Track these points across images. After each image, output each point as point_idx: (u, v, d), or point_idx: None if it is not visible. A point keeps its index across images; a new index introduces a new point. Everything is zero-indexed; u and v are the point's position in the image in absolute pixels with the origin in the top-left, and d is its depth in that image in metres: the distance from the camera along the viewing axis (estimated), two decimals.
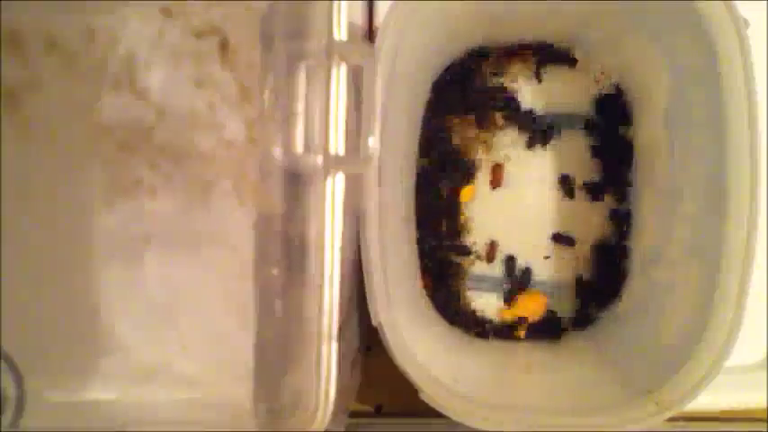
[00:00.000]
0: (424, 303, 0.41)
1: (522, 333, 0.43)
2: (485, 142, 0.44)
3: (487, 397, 0.34)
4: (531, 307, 0.43)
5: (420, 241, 0.42)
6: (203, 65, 0.27)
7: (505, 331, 0.43)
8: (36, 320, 0.26)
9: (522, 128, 0.44)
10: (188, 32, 0.27)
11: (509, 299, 0.43)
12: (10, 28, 0.25)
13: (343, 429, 0.35)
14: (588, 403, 0.35)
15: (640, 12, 0.37)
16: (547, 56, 0.44)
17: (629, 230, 0.42)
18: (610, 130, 0.43)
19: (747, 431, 0.42)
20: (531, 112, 0.44)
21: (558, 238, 0.43)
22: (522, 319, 0.43)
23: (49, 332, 0.27)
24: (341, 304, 0.26)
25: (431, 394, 0.33)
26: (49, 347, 0.27)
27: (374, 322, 0.32)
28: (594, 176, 0.43)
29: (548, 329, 0.43)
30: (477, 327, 0.43)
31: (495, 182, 0.43)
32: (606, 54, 0.42)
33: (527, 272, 0.43)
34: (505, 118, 0.44)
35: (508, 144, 0.44)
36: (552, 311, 0.43)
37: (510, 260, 0.43)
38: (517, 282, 0.43)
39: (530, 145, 0.43)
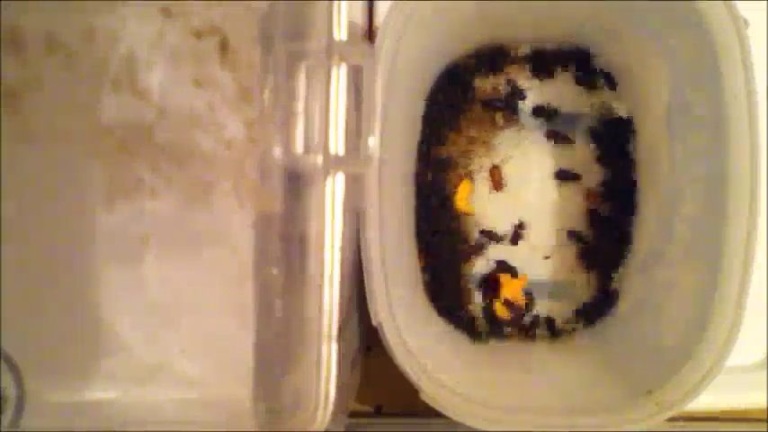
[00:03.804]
0: (423, 303, 0.41)
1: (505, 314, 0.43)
2: (485, 142, 0.44)
3: (487, 397, 0.34)
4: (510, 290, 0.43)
5: (420, 241, 0.42)
6: (203, 65, 0.27)
7: (505, 331, 0.43)
8: (36, 320, 0.26)
9: (521, 128, 0.44)
10: (188, 32, 0.27)
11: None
12: (10, 28, 0.25)
13: (343, 429, 0.35)
14: (588, 403, 0.34)
15: (640, 11, 0.37)
16: (547, 56, 0.43)
17: (629, 230, 0.42)
18: (610, 130, 0.43)
19: (747, 431, 0.42)
20: (531, 110, 0.44)
21: (558, 238, 0.43)
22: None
23: (49, 332, 0.27)
24: (341, 304, 0.26)
25: (431, 394, 0.33)
26: (49, 347, 0.27)
27: (374, 322, 0.32)
28: (594, 176, 0.43)
29: (549, 330, 0.43)
30: (477, 327, 0.43)
31: (496, 184, 0.43)
32: (606, 54, 0.42)
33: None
34: (505, 118, 0.44)
35: (508, 144, 0.44)
36: (546, 316, 0.43)
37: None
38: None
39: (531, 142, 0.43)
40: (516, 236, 0.43)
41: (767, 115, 0.35)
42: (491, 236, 0.43)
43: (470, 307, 0.43)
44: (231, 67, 0.27)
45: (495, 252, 0.43)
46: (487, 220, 0.43)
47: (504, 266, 0.43)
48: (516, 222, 0.43)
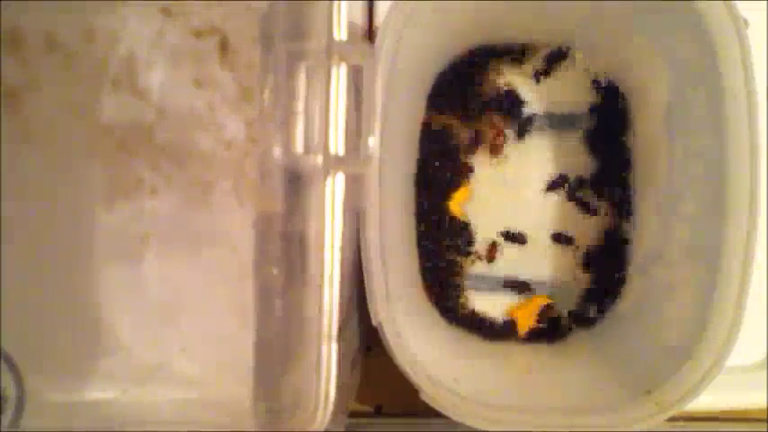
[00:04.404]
0: (423, 303, 0.41)
1: (523, 332, 0.43)
2: (485, 142, 0.44)
3: (487, 397, 0.34)
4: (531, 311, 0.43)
5: (420, 241, 0.42)
6: (203, 65, 0.27)
7: (505, 331, 0.43)
8: (36, 320, 0.26)
9: (521, 127, 0.44)
10: (188, 32, 0.27)
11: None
12: (10, 28, 0.25)
13: (343, 429, 0.35)
14: (588, 403, 0.35)
15: (640, 12, 0.37)
16: (547, 56, 0.43)
17: (629, 230, 0.42)
18: (610, 130, 0.43)
19: (747, 431, 0.42)
20: (531, 115, 0.44)
21: (558, 238, 0.43)
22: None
23: (49, 332, 0.27)
24: (341, 304, 0.26)
25: (431, 394, 0.33)
26: (49, 347, 0.27)
27: (374, 322, 0.32)
28: (594, 176, 0.43)
29: (548, 330, 0.43)
30: (476, 327, 0.43)
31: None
32: (606, 54, 0.42)
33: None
34: (505, 118, 0.44)
35: (508, 144, 0.44)
36: (552, 312, 0.43)
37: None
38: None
39: (520, 135, 0.43)
40: (491, 254, 0.43)
41: (767, 115, 0.35)
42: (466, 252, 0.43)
43: (470, 307, 0.43)
44: (231, 67, 0.27)
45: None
46: (486, 220, 0.43)
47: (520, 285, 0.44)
48: (490, 241, 0.43)
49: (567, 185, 0.43)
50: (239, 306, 0.27)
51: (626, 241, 0.42)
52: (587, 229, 0.43)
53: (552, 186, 0.43)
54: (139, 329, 0.27)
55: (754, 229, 0.32)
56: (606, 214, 0.43)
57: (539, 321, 0.43)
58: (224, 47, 0.27)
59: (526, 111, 0.44)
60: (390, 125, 0.34)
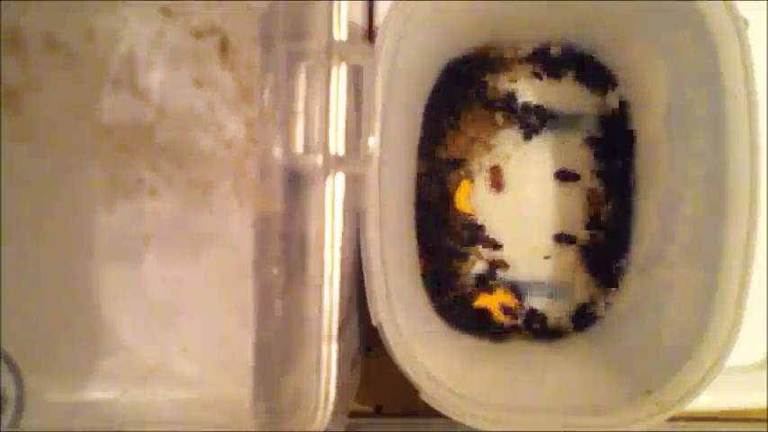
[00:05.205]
0: (424, 303, 0.41)
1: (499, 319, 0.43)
2: (485, 142, 0.44)
3: (487, 397, 0.34)
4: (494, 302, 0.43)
5: (420, 241, 0.42)
6: (203, 65, 0.27)
7: (506, 331, 0.43)
8: (36, 320, 0.26)
9: (522, 127, 0.44)
10: (188, 32, 0.27)
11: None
12: (10, 28, 0.25)
13: (343, 429, 0.35)
14: (588, 403, 0.34)
15: (640, 12, 0.37)
16: (547, 56, 0.43)
17: (629, 230, 0.42)
18: (610, 130, 0.43)
19: (747, 431, 0.42)
20: (531, 108, 0.44)
21: (559, 238, 0.43)
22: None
23: (49, 332, 0.27)
24: (341, 304, 0.26)
25: (431, 394, 0.33)
26: (49, 347, 0.27)
27: (374, 322, 0.32)
28: (594, 177, 0.43)
29: (547, 330, 0.43)
30: (477, 327, 0.43)
31: (496, 184, 0.43)
32: (607, 54, 0.42)
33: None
34: (505, 118, 0.44)
35: (508, 144, 0.44)
36: (541, 312, 0.43)
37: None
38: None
39: (527, 136, 0.43)
40: (493, 272, 0.43)
41: (767, 115, 0.35)
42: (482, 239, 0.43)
43: (470, 306, 0.43)
44: (231, 67, 0.27)
45: (495, 253, 0.43)
46: (487, 221, 0.43)
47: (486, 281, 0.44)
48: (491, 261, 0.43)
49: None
50: (239, 306, 0.27)
51: (626, 241, 0.42)
52: (588, 229, 0.43)
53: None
54: (139, 329, 0.27)
55: (754, 229, 0.32)
56: (607, 215, 0.43)
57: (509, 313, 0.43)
58: (224, 47, 0.27)
59: (534, 110, 0.44)
60: (390, 125, 0.34)
